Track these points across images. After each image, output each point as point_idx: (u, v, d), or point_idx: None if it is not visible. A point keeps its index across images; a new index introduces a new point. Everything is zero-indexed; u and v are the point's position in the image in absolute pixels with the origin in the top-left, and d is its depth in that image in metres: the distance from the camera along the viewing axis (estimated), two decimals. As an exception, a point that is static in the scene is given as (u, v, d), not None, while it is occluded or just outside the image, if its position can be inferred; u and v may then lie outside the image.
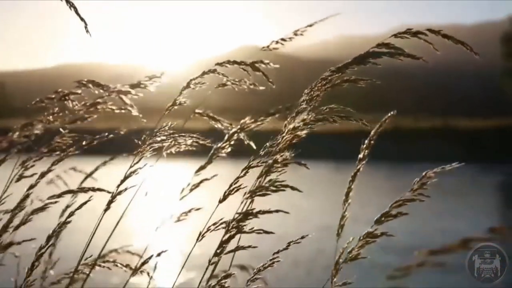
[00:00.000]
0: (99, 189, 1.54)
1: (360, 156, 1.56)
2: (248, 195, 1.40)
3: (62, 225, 1.47)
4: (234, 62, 1.53)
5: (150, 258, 1.58)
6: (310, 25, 1.57)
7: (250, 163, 1.43)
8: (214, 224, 1.42)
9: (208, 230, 1.38)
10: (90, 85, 1.56)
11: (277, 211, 1.35)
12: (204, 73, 1.58)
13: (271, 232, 1.31)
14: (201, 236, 1.40)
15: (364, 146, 1.57)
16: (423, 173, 1.42)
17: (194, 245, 1.36)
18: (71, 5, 1.36)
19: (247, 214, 1.34)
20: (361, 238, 1.47)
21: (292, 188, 1.39)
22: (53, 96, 1.55)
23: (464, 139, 29.52)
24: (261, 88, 1.57)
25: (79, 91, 1.56)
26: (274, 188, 1.38)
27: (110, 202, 1.49)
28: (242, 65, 1.53)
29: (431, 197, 1.44)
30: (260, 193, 1.39)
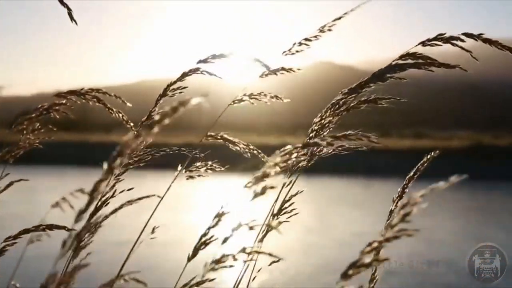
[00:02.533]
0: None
1: (411, 174, 1.37)
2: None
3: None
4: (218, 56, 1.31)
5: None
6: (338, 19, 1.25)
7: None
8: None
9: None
10: (71, 97, 1.42)
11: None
12: (184, 74, 1.37)
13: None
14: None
15: (421, 163, 1.37)
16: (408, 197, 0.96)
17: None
18: (66, 7, 1.28)
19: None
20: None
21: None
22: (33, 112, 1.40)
23: None
24: (286, 100, 1.36)
25: (63, 102, 1.42)
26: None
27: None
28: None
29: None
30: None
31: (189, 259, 1.16)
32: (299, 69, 1.34)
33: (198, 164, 1.43)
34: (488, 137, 36.75)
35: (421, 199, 0.88)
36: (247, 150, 1.45)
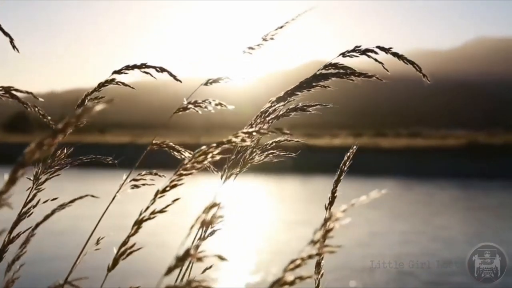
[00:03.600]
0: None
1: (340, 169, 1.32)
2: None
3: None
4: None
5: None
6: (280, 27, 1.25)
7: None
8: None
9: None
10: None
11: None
12: (100, 85, 1.37)
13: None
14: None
15: (345, 159, 1.31)
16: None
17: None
18: (8, 36, 1.30)
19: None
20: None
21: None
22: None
23: None
24: (230, 107, 1.30)
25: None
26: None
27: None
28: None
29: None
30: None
31: (109, 270, 1.09)
32: (243, 77, 1.33)
33: (144, 172, 1.37)
34: (483, 136, 37.10)
35: (342, 215, 0.86)
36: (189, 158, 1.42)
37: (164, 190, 1.02)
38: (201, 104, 1.31)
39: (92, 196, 1.47)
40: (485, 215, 15.96)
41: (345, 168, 1.33)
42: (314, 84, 1.23)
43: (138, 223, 1.03)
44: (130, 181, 1.33)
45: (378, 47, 1.20)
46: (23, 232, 1.37)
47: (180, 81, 1.37)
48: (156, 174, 1.38)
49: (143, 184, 1.34)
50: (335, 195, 1.32)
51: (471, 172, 25.20)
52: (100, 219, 1.24)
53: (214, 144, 0.96)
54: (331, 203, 1.32)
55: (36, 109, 1.47)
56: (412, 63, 1.20)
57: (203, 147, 0.97)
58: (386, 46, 1.21)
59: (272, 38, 1.28)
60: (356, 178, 22.80)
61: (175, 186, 1.01)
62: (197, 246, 0.89)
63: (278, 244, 11.39)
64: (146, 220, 1.03)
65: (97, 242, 1.31)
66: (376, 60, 1.20)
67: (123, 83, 1.39)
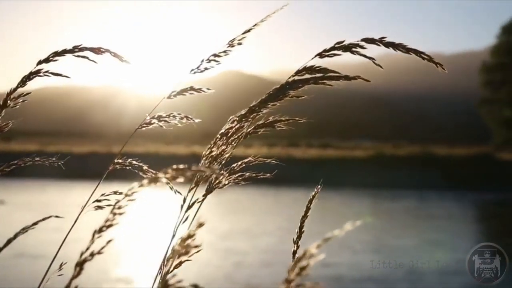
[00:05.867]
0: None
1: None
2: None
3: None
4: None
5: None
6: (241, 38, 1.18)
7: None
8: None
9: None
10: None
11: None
12: (25, 79, 1.21)
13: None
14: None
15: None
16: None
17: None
18: None
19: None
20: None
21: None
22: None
23: (443, 166, 29.05)
24: (197, 120, 1.26)
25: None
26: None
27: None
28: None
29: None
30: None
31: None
32: (209, 89, 1.24)
33: (106, 192, 1.30)
34: (389, 147, 38.76)
35: (316, 251, 0.83)
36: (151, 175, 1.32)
37: (100, 230, 0.95)
38: (166, 119, 1.27)
39: (57, 216, 1.37)
40: (386, 219, 16.92)
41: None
42: (286, 94, 1.11)
43: (80, 265, 0.96)
44: (93, 202, 1.26)
45: (364, 39, 1.03)
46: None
47: (128, 62, 1.21)
48: (120, 193, 1.26)
49: (108, 205, 1.26)
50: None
51: (378, 182, 26.28)
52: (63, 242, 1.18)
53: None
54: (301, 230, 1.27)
55: None
56: (414, 51, 1.03)
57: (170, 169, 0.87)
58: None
59: (240, 43, 1.20)
60: (270, 187, 23.27)
61: (111, 226, 0.95)
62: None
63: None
64: (87, 261, 0.96)
65: (60, 267, 1.21)
66: (364, 56, 1.04)
67: (54, 73, 1.21)
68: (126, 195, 0.91)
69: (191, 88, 1.24)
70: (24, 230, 1.35)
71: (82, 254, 0.95)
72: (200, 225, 0.89)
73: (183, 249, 0.87)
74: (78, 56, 1.19)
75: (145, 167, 1.35)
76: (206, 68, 1.21)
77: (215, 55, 1.21)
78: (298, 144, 43.27)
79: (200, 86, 1.24)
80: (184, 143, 37.94)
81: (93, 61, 1.18)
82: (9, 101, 1.24)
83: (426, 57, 1.03)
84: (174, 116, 1.27)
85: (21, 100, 1.25)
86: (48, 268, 1.16)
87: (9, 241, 1.32)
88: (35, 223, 1.36)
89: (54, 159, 1.44)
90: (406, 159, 31.17)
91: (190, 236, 0.88)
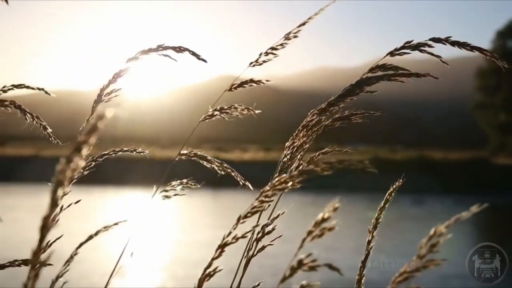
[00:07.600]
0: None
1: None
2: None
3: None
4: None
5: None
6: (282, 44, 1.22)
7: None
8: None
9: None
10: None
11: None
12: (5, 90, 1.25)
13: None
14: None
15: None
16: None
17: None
18: None
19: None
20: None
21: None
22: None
23: (438, 171, 29.18)
24: (258, 111, 1.30)
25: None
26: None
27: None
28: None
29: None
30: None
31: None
32: (268, 81, 1.30)
33: (174, 182, 1.35)
34: (384, 151, 38.91)
35: (445, 230, 0.96)
36: (221, 168, 1.42)
37: (245, 216, 1.01)
38: (227, 111, 1.31)
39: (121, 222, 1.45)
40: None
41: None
42: (362, 89, 1.18)
43: (222, 247, 1.04)
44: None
45: (431, 39, 1.14)
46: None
47: (205, 61, 1.27)
48: (188, 184, 1.35)
49: (175, 195, 1.33)
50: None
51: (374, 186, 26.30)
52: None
53: (296, 173, 0.94)
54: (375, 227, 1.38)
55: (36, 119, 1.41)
56: (479, 49, 1.14)
57: (284, 175, 0.95)
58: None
59: (296, 36, 1.23)
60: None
61: (256, 212, 1.00)
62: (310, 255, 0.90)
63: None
64: (229, 244, 1.04)
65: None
66: (432, 54, 1.14)
67: (40, 89, 1.32)
68: (274, 186, 0.96)
69: (251, 81, 1.29)
70: (106, 228, 1.45)
71: (224, 238, 1.02)
72: (335, 209, 0.95)
73: (320, 232, 0.93)
74: (161, 54, 1.23)
75: (209, 157, 1.41)
76: (264, 61, 1.25)
77: (272, 48, 1.25)
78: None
79: (259, 79, 1.30)
80: (179, 147, 37.83)
81: (174, 59, 1.23)
82: (103, 97, 1.31)
83: (489, 54, 1.13)
84: (235, 108, 1.31)
85: (113, 96, 1.33)
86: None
87: (90, 237, 1.42)
88: (106, 227, 1.45)
89: (140, 149, 1.49)
90: (401, 163, 31.23)
91: (324, 220, 0.94)
